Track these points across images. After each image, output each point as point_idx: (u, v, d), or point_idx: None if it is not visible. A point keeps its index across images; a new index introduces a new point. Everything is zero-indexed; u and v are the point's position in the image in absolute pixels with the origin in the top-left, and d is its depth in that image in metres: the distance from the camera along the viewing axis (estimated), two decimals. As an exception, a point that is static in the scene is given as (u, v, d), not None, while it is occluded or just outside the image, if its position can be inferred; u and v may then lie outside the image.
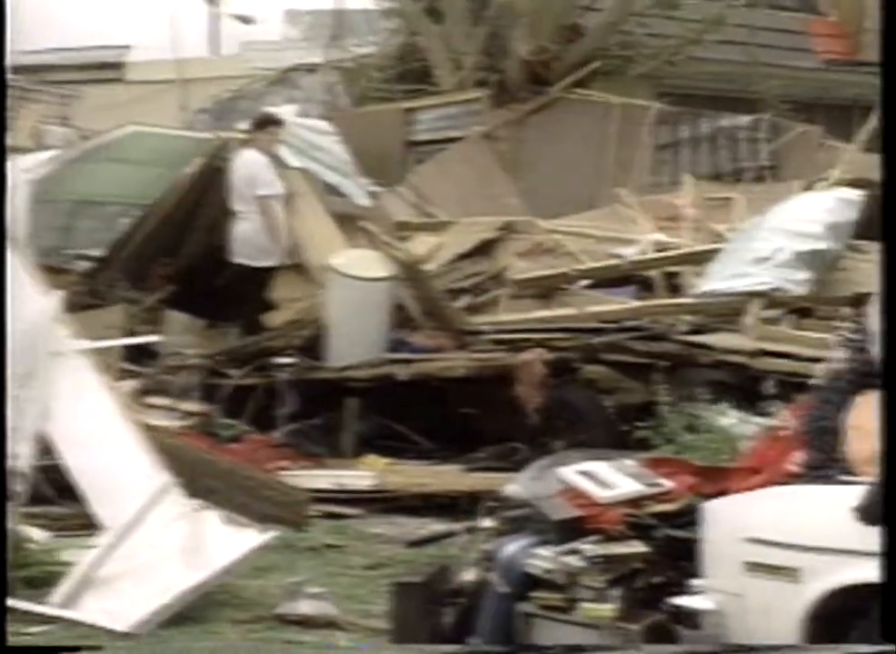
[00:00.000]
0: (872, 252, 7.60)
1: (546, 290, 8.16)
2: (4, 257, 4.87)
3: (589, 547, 3.83)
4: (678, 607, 3.59)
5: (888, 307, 3.29)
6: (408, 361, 7.36)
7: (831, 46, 13.04)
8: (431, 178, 10.24)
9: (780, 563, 3.40)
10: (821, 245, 7.45)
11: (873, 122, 9.38)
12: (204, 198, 8.77)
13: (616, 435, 6.48)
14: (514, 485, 4.31)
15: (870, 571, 3.28)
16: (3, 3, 4.33)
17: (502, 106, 10.92)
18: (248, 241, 8.33)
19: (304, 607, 4.81)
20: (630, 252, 8.38)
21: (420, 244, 8.75)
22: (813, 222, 7.56)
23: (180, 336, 8.33)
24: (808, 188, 8.76)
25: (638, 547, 3.83)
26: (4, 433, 4.49)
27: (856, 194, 7.83)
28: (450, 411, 7.37)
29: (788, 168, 10.15)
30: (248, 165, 8.39)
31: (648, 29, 11.58)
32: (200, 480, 5.49)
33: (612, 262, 8.28)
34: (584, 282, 8.18)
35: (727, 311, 7.16)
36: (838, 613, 3.34)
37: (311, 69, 12.90)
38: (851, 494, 3.37)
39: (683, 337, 7.00)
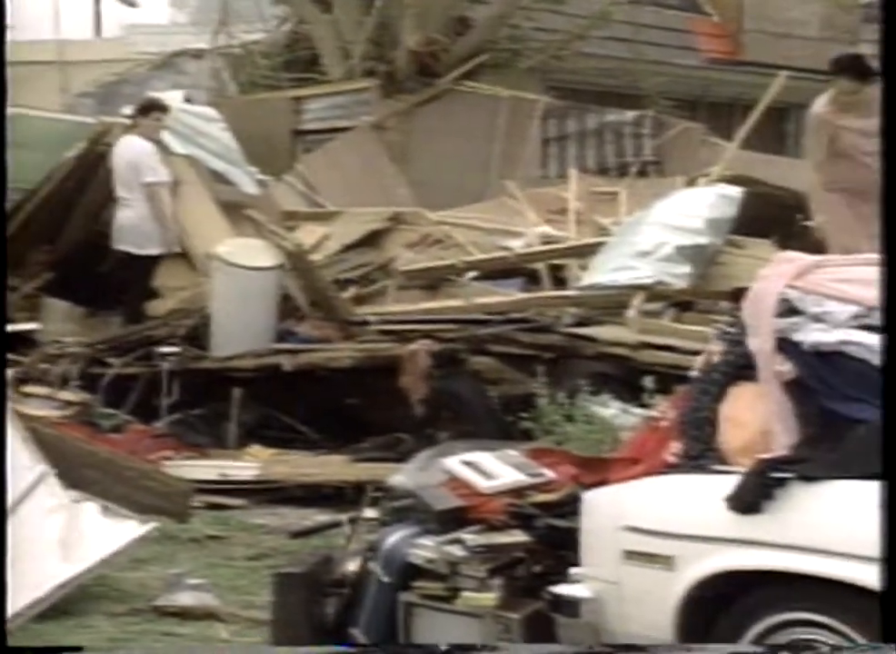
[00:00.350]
0: (750, 247, 7.80)
1: (434, 281, 8.19)
2: (4, 254, 4.70)
3: (471, 537, 3.86)
4: (557, 595, 3.63)
5: (888, 306, 3.35)
6: (294, 352, 7.31)
7: (713, 45, 13.31)
8: (319, 167, 10.19)
9: (655, 551, 3.47)
10: (702, 240, 7.59)
11: (753, 120, 9.60)
12: (85, 184, 8.60)
13: (501, 426, 6.53)
14: (399, 475, 4.32)
15: (739, 559, 3.37)
16: (2, 3, 4.23)
17: (391, 97, 10.92)
18: (132, 228, 8.19)
19: (184, 598, 4.76)
20: (517, 245, 8.45)
21: (307, 234, 8.70)
22: (695, 218, 7.70)
23: (59, 324, 8.16)
24: (690, 184, 8.93)
25: (519, 536, 3.87)
26: (4, 434, 4.35)
27: (736, 191, 8.01)
28: (336, 402, 7.34)
29: (671, 164, 10.33)
30: (132, 152, 8.24)
31: (536, 23, 11.68)
32: (78, 471, 5.39)
33: (500, 254, 8.35)
34: (472, 274, 8.23)
35: (610, 303, 7.25)
36: (709, 600, 3.42)
37: (197, 54, 12.72)
38: (725, 483, 3.46)
39: (568, 329, 7.09)
